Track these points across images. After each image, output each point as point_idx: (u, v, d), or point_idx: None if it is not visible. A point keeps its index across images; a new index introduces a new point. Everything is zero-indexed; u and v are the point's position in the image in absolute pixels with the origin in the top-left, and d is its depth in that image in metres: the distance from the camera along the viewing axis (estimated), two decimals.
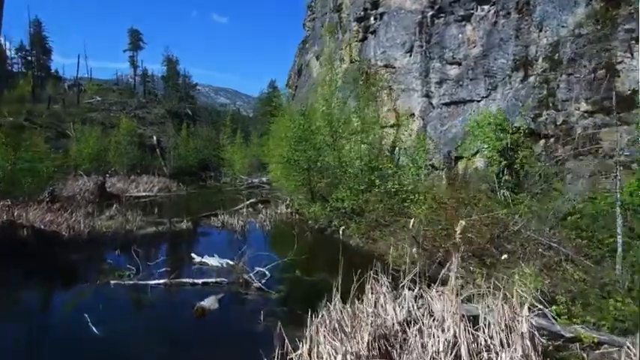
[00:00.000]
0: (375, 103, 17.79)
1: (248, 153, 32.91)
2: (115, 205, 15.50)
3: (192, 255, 9.03)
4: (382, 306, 5.37)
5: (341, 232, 7.16)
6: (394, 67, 16.08)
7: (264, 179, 29.01)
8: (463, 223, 5.17)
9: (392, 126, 16.16)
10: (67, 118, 32.16)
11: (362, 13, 19.06)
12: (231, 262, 8.50)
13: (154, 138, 34.77)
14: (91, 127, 28.83)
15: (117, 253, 9.72)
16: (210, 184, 30.75)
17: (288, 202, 17.21)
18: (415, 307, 5.30)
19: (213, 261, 8.65)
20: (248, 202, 18.09)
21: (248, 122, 51.35)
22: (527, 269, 6.19)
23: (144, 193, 22.22)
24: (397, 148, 15.87)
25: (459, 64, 12.64)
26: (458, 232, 5.11)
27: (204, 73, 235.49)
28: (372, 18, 18.57)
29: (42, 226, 11.21)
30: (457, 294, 4.74)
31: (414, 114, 15.06)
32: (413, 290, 5.48)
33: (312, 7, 33.01)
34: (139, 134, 33.03)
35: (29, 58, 45.99)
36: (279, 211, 16.51)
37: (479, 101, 11.87)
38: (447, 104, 13.13)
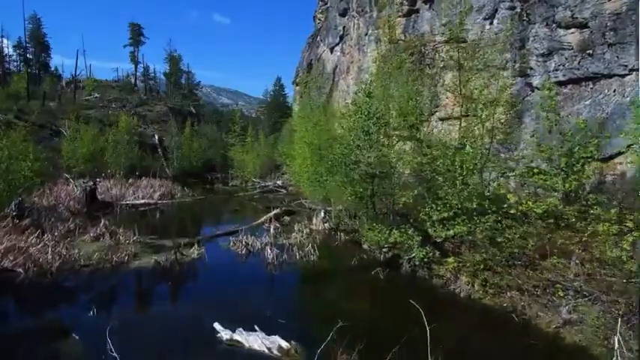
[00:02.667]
0: (430, 89, 14.24)
1: (260, 153, 29.36)
2: (103, 221, 11.88)
3: (216, 326, 5.27)
4: None
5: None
6: (464, 41, 12.35)
7: (279, 182, 25.69)
8: None
9: (457, 118, 12.47)
10: (63, 116, 28.97)
11: None
12: (284, 345, 4.80)
13: (156, 137, 31.58)
14: (87, 125, 25.44)
15: (91, 312, 6.04)
16: (218, 187, 27.37)
17: (323, 215, 13.55)
18: None
19: (252, 341, 4.92)
20: (272, 214, 14.45)
21: (256, 122, 47.86)
22: None
23: (142, 201, 18.59)
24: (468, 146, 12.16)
25: (584, 25, 8.89)
26: None
27: (206, 74, 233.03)
28: None
29: None
30: None
31: (496, 100, 11.34)
32: None
33: None
34: (140, 133, 30.09)
35: (27, 55, 42.87)
36: (314, 227, 12.90)
37: (624, 76, 8.13)
38: (561, 83, 9.40)
